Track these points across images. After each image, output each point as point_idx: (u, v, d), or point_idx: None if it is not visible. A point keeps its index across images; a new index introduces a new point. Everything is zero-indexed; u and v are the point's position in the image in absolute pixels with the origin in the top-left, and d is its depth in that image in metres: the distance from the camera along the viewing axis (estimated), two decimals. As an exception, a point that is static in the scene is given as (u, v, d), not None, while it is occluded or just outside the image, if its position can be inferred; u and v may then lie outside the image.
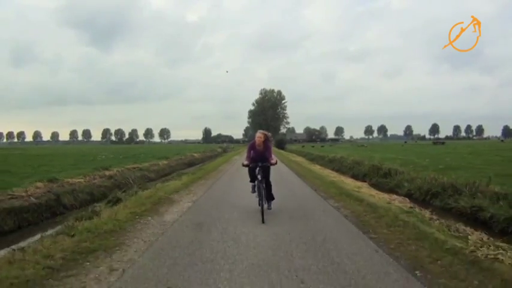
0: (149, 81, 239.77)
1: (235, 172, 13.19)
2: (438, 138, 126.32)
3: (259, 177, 5.67)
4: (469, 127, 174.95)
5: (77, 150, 42.96)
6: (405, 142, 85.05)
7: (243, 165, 5.95)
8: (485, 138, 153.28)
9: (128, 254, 3.85)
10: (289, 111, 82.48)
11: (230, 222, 5.33)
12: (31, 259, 3.53)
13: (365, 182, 11.72)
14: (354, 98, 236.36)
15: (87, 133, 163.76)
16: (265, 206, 5.69)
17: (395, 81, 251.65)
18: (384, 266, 3.48)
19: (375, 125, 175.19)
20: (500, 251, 4.32)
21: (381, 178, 11.32)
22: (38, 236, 5.35)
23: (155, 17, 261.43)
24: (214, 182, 10.81)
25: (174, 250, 3.97)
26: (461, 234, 5.08)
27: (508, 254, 4.17)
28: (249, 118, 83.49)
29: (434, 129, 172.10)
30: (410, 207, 6.64)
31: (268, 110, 76.09)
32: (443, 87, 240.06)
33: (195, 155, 26.51)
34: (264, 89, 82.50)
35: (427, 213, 6.33)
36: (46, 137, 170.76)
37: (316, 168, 17.10)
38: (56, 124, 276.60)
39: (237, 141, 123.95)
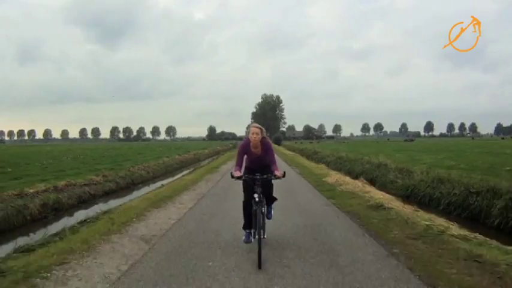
0: (154, 79, 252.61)
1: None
2: (410, 136, 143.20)
3: (256, 196, 3.93)
4: (462, 125, 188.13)
5: (123, 146, 58.45)
6: (388, 139, 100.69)
7: (233, 177, 4.07)
8: (481, 136, 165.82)
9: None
10: (292, 109, 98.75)
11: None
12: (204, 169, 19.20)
13: (308, 158, 27.16)
14: (356, 96, 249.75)
15: (96, 131, 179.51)
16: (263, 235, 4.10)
17: (398, 79, 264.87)
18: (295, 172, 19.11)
19: (376, 122, 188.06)
20: (320, 166, 19.88)
21: (314, 155, 26.85)
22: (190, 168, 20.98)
23: (163, 16, 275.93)
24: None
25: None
26: (316, 163, 20.67)
27: (318, 165, 19.81)
28: (252, 119, 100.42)
29: (429, 126, 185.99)
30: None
31: (268, 112, 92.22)
32: (444, 85, 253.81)
33: (218, 148, 42.58)
34: (265, 94, 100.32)
35: (312, 162, 21.88)
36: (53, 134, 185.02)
37: (288, 152, 32.94)
38: (58, 122, 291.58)
39: (240, 138, 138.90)
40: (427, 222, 5.24)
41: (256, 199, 3.93)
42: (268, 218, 4.46)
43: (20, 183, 11.10)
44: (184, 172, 18.66)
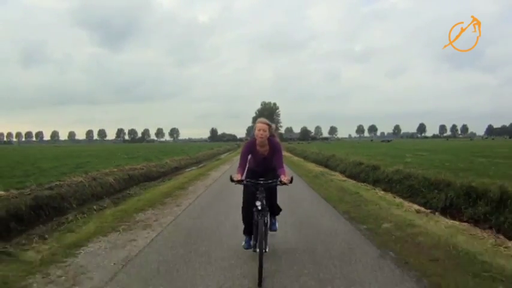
0: (157, 80, 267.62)
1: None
2: (393, 137, 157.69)
3: (258, 204, 3.70)
4: (454, 126, 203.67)
5: (153, 146, 74.59)
6: (371, 140, 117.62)
7: (232, 181, 3.78)
8: (475, 137, 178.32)
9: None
10: (292, 110, 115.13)
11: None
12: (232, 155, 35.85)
13: (291, 153, 43.64)
14: (356, 98, 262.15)
15: (102, 132, 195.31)
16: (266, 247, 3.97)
17: (397, 81, 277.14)
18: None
19: (374, 123, 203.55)
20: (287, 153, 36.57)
21: (293, 150, 43.48)
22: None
23: (166, 18, 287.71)
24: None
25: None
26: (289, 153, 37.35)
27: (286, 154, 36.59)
28: (252, 123, 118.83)
29: (421, 128, 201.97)
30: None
31: (265, 117, 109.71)
32: (442, 86, 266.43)
33: (228, 146, 59.34)
34: (264, 101, 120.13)
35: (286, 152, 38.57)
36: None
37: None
38: (60, 123, 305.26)
39: (240, 140, 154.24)
40: (320, 169, 21.56)
41: (259, 207, 3.66)
42: (272, 230, 4.29)
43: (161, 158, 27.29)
44: (220, 157, 35.09)
